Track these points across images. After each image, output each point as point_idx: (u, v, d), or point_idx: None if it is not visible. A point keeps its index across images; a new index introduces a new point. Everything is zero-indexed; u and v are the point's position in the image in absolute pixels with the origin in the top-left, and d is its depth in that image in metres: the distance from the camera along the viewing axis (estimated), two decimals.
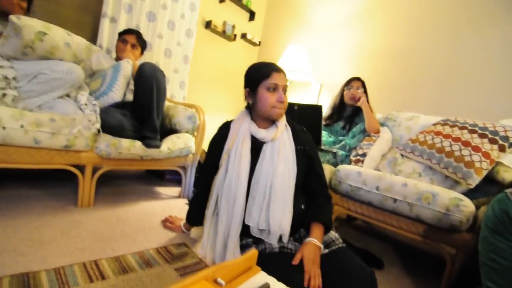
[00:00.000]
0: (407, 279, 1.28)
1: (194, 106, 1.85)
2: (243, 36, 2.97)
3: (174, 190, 1.94)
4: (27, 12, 1.54)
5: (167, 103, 1.89)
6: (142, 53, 1.81)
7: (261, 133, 1.01)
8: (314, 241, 0.91)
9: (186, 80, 2.51)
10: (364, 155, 1.63)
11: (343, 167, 1.46)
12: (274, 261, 0.87)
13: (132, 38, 1.71)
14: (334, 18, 2.59)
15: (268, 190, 0.95)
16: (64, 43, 1.27)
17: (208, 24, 2.67)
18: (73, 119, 1.23)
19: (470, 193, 1.28)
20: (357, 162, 1.63)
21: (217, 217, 1.02)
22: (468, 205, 1.08)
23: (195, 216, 1.16)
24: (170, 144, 1.59)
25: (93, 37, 2.03)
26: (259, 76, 0.98)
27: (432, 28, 2.05)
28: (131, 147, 1.43)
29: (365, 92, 1.85)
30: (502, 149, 1.30)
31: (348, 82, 1.88)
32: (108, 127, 1.38)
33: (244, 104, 1.10)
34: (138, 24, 2.12)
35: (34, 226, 1.10)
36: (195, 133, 1.83)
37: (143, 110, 1.48)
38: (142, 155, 1.49)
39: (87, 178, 1.36)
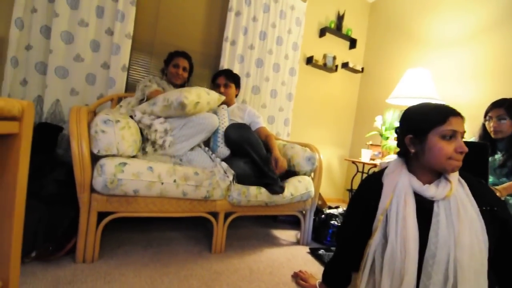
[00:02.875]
0: None
1: (309, 145, 1.78)
2: (344, 65, 2.85)
3: (290, 234, 1.86)
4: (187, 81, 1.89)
5: (283, 142, 1.89)
6: (237, 89, 1.96)
7: (430, 191, 0.81)
8: None
9: (290, 117, 2.52)
10: None
11: None
12: None
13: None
14: (458, 32, 2.19)
15: (452, 268, 0.73)
16: (207, 103, 1.43)
17: (309, 60, 2.67)
18: (211, 172, 1.32)
19: None
20: None
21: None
22: None
23: (336, 279, 1.03)
24: (293, 189, 1.54)
25: (211, 87, 2.27)
26: (430, 121, 0.82)
27: None
28: (258, 194, 1.44)
29: None
30: None
31: (486, 113, 1.49)
32: (235, 177, 1.42)
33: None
34: (249, 71, 2.28)
35: (183, 275, 1.17)
36: (312, 175, 1.74)
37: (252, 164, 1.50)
38: (267, 202, 1.47)
39: (220, 224, 1.42)
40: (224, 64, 2.18)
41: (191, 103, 1.32)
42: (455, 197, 0.80)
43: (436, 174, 0.85)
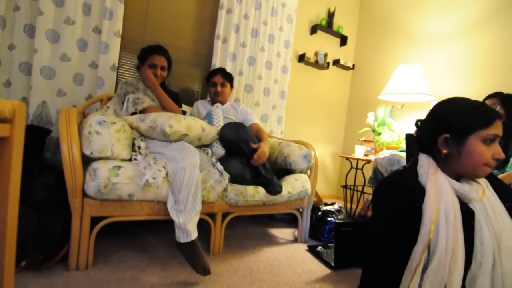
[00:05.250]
0: None
1: (304, 143, 1.77)
2: (336, 62, 2.87)
3: (287, 232, 1.85)
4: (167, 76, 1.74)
5: (279, 140, 1.88)
6: (231, 88, 1.91)
7: (471, 192, 0.75)
8: None
9: (283, 114, 2.52)
10: None
11: None
12: None
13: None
14: (448, 28, 2.23)
15: (498, 276, 0.70)
16: (198, 138, 1.36)
17: (301, 58, 2.67)
18: (208, 172, 1.30)
19: None
20: None
21: None
22: None
23: None
24: (290, 188, 1.53)
25: (203, 86, 2.24)
26: (474, 122, 0.74)
27: None
28: (256, 193, 1.42)
29: (509, 109, 1.44)
30: None
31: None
32: (230, 177, 1.40)
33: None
34: (241, 69, 2.25)
35: (182, 279, 1.14)
36: (308, 172, 1.73)
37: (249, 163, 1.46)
38: (265, 201, 1.46)
39: (218, 225, 1.39)
40: (216, 63, 2.14)
41: (175, 134, 1.23)
42: (488, 198, 0.76)
43: (457, 176, 0.80)
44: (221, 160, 1.45)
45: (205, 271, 1.10)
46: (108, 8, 1.72)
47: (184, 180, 1.13)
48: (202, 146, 1.45)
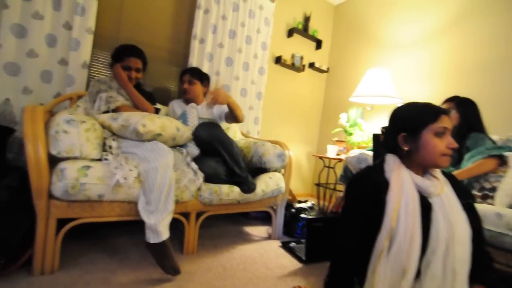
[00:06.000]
0: None
1: (279, 143, 1.82)
2: (311, 65, 2.96)
3: (262, 230, 1.89)
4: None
5: (253, 140, 1.92)
6: (205, 87, 1.90)
7: (430, 187, 0.84)
8: None
9: (260, 115, 2.56)
10: (493, 189, 1.34)
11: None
12: None
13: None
14: (414, 35, 2.38)
15: (450, 262, 0.78)
16: (172, 138, 1.36)
17: (278, 60, 2.73)
18: (182, 171, 1.30)
19: None
20: (484, 198, 1.35)
21: None
22: None
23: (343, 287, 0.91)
24: (264, 186, 1.57)
25: (180, 85, 2.22)
26: (423, 119, 0.85)
27: None
28: (230, 192, 1.45)
29: (465, 112, 1.57)
30: None
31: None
32: (205, 176, 1.41)
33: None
34: (218, 70, 2.27)
35: (155, 279, 1.14)
36: (283, 171, 1.79)
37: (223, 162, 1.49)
38: (239, 199, 1.49)
39: (192, 224, 1.40)
40: (193, 62, 2.14)
41: (148, 134, 1.23)
42: (445, 194, 0.85)
43: (423, 170, 0.89)
44: (196, 159, 1.46)
45: (175, 271, 1.11)
46: (80, 3, 1.67)
47: (156, 181, 1.13)
48: (177, 146, 1.46)
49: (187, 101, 1.85)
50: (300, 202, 2.02)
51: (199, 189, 1.37)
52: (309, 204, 1.98)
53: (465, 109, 1.59)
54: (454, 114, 1.59)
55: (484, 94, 1.91)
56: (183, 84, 1.84)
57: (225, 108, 1.81)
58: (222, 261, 1.37)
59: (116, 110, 1.43)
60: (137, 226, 1.65)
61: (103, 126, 1.29)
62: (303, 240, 1.68)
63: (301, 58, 2.83)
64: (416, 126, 0.85)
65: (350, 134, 2.31)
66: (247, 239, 1.71)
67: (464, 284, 0.77)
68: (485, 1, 2.00)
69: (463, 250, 0.79)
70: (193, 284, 1.13)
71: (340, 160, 2.29)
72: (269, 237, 1.76)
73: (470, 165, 1.41)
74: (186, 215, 1.39)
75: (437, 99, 1.65)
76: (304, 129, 3.08)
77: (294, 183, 3.00)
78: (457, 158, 1.56)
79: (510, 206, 1.36)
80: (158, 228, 1.10)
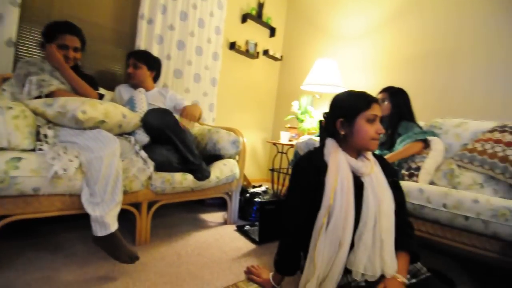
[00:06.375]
0: None
1: (233, 129, 1.84)
2: (265, 52, 2.99)
3: (218, 216, 1.93)
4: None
5: (208, 127, 1.90)
6: (152, 71, 1.80)
7: (363, 168, 0.94)
8: (399, 277, 0.86)
9: (214, 102, 2.53)
10: (418, 169, 1.56)
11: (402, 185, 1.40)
12: None
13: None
14: (358, 28, 2.55)
15: (378, 233, 0.89)
16: (118, 125, 1.27)
17: (232, 45, 2.70)
18: (130, 161, 1.25)
19: None
20: (411, 176, 1.56)
21: (312, 262, 0.90)
22: None
23: (290, 264, 1.01)
24: (218, 173, 1.59)
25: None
26: (358, 106, 0.94)
27: (473, 25, 1.97)
28: (183, 180, 1.44)
29: (397, 101, 1.77)
30: None
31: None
32: (156, 164, 1.37)
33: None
34: (169, 53, 2.16)
35: (103, 273, 1.10)
36: (237, 157, 1.82)
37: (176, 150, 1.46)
38: (193, 187, 1.49)
39: (143, 215, 1.37)
40: (141, 44, 2.01)
41: (89, 121, 1.14)
42: (375, 173, 0.96)
43: (358, 153, 0.99)
44: (146, 147, 1.40)
45: (132, 258, 1.08)
46: None
47: (101, 171, 1.07)
48: (124, 134, 1.38)
49: (135, 86, 1.75)
50: (254, 187, 2.09)
51: (149, 178, 1.33)
52: (263, 188, 2.06)
53: (397, 99, 1.78)
54: (387, 104, 1.77)
55: (414, 84, 2.16)
56: (128, 68, 1.73)
57: (180, 101, 1.76)
58: (176, 248, 1.37)
59: (50, 95, 1.29)
60: (83, 221, 1.55)
61: (36, 113, 1.16)
62: (257, 223, 1.77)
63: (255, 45, 2.84)
64: (351, 113, 0.95)
65: (302, 121, 2.43)
66: (202, 225, 1.73)
67: (390, 251, 0.90)
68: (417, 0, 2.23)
69: (388, 222, 0.91)
70: (147, 274, 1.12)
71: (292, 146, 2.41)
72: (225, 222, 1.81)
73: (400, 149, 1.61)
74: (137, 205, 1.35)
75: (378, 89, 1.83)
76: (259, 116, 3.14)
77: (250, 169, 3.07)
78: (390, 143, 1.76)
79: (430, 182, 1.60)
80: (105, 220, 1.05)
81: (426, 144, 1.63)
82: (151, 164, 1.32)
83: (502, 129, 1.48)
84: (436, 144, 1.62)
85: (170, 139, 1.42)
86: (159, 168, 1.39)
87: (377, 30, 2.44)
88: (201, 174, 1.50)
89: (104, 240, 1.06)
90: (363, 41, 2.52)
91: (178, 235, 1.53)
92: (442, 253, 1.69)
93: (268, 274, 1.10)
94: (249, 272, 1.19)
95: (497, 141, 1.43)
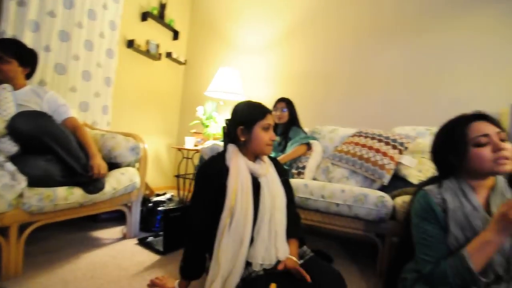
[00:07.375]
0: (353, 267, 1.55)
1: (132, 135, 1.71)
2: (168, 55, 2.89)
3: (115, 231, 1.74)
4: None
5: (102, 132, 1.69)
6: (26, 66, 1.44)
7: (259, 169, 1.06)
8: (292, 257, 1.02)
9: (109, 104, 2.28)
10: (304, 167, 1.86)
11: (291, 182, 1.64)
12: (263, 282, 0.93)
13: None
14: (258, 42, 2.82)
15: (273, 226, 1.00)
16: None
17: (130, 44, 2.49)
18: None
19: (384, 188, 1.64)
20: (299, 174, 1.85)
21: (217, 262, 0.95)
22: (389, 200, 1.40)
23: (196, 268, 1.03)
24: (115, 183, 1.44)
25: None
26: (255, 116, 1.05)
27: (342, 53, 2.49)
28: (69, 195, 1.24)
29: (291, 110, 2.09)
30: (400, 152, 1.73)
31: (275, 104, 2.10)
32: (33, 180, 1.13)
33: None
34: (48, 44, 1.82)
35: None
36: (137, 165, 1.70)
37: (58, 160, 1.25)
38: (82, 202, 1.30)
39: (13, 241, 1.11)
40: (7, 30, 1.61)
41: None
42: (270, 173, 1.09)
43: (255, 157, 1.10)
44: (15, 158, 1.14)
45: None
46: None
47: None
48: None
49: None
50: (158, 195, 2.00)
51: (20, 196, 1.09)
52: (167, 196, 1.99)
53: (292, 108, 2.09)
54: (286, 112, 2.04)
55: (300, 96, 2.54)
56: None
57: (61, 108, 1.46)
58: (62, 275, 1.18)
59: None
60: None
61: None
62: (161, 233, 1.69)
63: (157, 46, 2.72)
64: (250, 121, 1.06)
65: (207, 126, 2.48)
66: (95, 244, 1.53)
67: (282, 240, 1.04)
68: (302, 22, 2.64)
69: (281, 215, 1.07)
70: None
71: (197, 151, 2.43)
72: (124, 237, 1.65)
73: (289, 151, 1.88)
74: (3, 230, 1.09)
75: (273, 98, 2.10)
76: (162, 120, 3.00)
77: (154, 176, 2.90)
78: (283, 146, 2.03)
79: (313, 178, 1.93)
80: None
81: (309, 147, 1.96)
82: (22, 179, 1.08)
83: (360, 134, 1.94)
84: (316, 147, 1.97)
85: (49, 148, 1.20)
86: (36, 183, 1.15)
87: (272, 47, 2.76)
88: (93, 187, 1.32)
89: None
90: (261, 55, 2.80)
91: (63, 260, 1.31)
92: (324, 236, 2.06)
93: (173, 283, 1.10)
94: (152, 285, 1.14)
95: (356, 144, 1.86)
